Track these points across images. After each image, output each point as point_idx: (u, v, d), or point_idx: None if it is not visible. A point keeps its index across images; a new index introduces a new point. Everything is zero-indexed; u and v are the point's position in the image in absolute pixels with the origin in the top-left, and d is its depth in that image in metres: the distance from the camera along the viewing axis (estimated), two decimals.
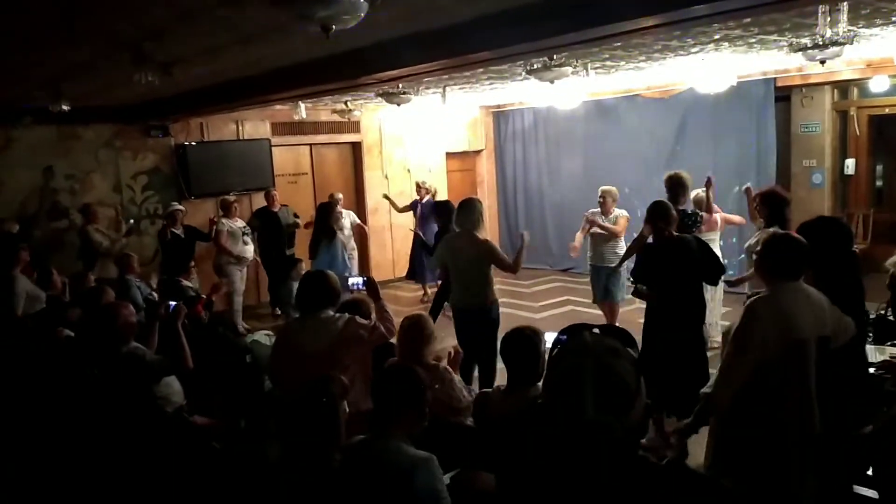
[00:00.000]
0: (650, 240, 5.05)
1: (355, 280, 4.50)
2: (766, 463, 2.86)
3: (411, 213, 9.88)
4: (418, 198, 9.82)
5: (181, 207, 8.36)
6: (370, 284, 4.14)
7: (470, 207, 5.30)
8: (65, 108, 5.94)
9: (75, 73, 5.33)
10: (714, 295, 6.66)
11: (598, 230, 7.09)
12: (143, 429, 3.33)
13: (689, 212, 5.76)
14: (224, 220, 8.40)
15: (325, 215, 7.89)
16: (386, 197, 10.22)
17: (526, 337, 3.18)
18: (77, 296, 5.36)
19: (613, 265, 6.96)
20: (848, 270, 3.57)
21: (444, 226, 7.50)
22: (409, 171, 11.41)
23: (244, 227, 8.54)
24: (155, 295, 6.14)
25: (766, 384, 2.82)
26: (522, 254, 5.36)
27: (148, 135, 8.94)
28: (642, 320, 4.96)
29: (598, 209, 7.20)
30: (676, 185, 5.75)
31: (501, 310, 5.46)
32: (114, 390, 3.57)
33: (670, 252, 4.74)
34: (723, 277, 5.16)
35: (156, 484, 3.11)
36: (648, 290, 4.94)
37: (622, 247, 7.05)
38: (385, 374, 2.74)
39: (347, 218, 9.19)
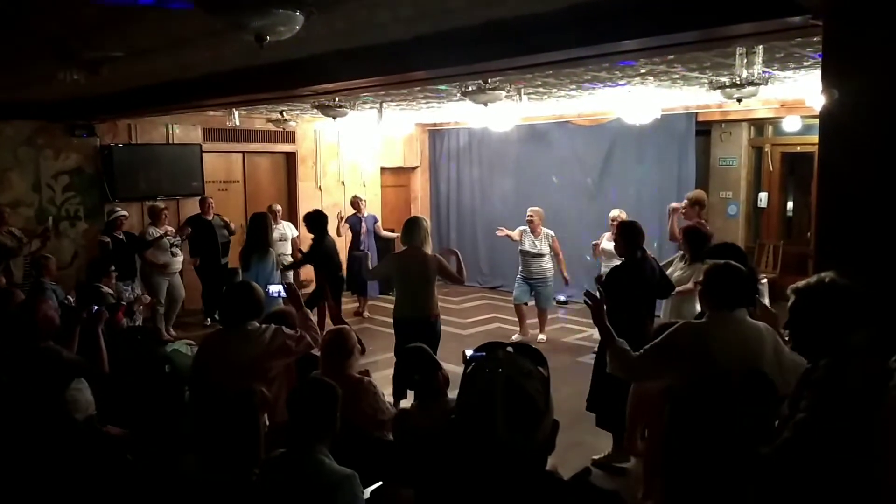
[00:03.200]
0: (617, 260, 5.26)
1: (275, 288, 4.43)
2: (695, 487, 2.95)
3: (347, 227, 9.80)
4: (356, 212, 9.80)
5: (125, 213, 8.18)
6: (290, 292, 4.10)
7: (417, 225, 5.55)
8: None
9: None
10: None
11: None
12: (52, 434, 3.20)
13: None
14: (152, 230, 8.17)
15: (259, 227, 7.60)
16: (340, 217, 9.86)
17: (417, 353, 3.28)
18: None
19: (542, 278, 8.02)
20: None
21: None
22: (343, 183, 11.37)
23: (173, 237, 8.28)
24: (71, 300, 5.91)
25: (686, 409, 2.91)
26: (463, 265, 5.75)
27: (72, 134, 8.58)
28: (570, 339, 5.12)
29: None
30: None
31: None
32: (25, 389, 3.42)
33: (641, 271, 4.91)
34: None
35: (65, 495, 2.99)
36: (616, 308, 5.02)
37: (549, 262, 8.08)
38: (303, 388, 2.73)
39: (289, 230, 9.11)
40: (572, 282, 8.51)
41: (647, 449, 3.60)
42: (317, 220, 7.66)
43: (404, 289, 5.61)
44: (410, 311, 5.51)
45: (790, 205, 10.17)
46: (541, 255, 8.03)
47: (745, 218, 9.86)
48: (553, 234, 8.16)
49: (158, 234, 8.11)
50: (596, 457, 4.88)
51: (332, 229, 8.13)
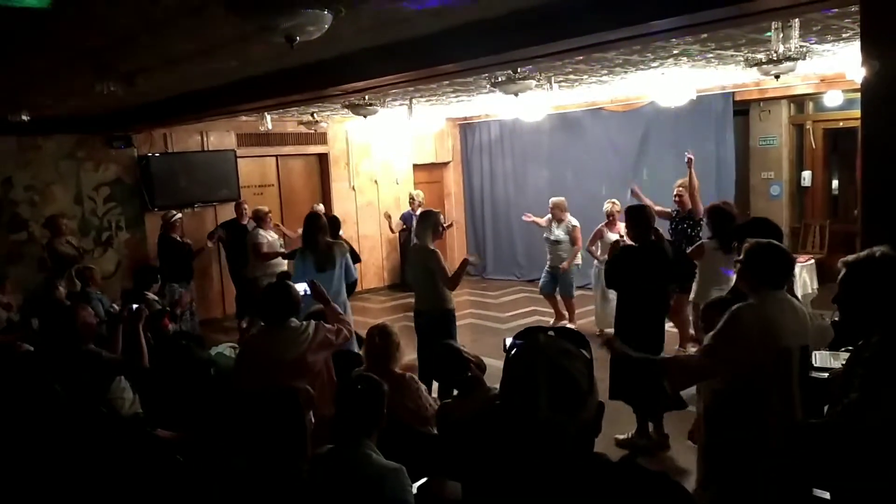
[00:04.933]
0: (627, 242, 5.18)
1: (300, 286, 4.49)
2: (742, 470, 2.90)
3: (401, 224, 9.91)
4: (411, 210, 9.86)
5: (180, 215, 8.34)
6: (315, 290, 4.16)
7: (425, 219, 5.55)
8: (24, 118, 5.84)
9: (35, 83, 5.25)
10: None
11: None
12: (101, 430, 3.28)
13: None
14: (261, 232, 8.12)
15: (314, 227, 7.47)
16: (388, 216, 10.10)
17: (444, 353, 3.28)
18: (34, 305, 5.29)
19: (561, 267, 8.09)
20: None
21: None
22: (376, 182, 11.42)
23: (280, 239, 8.31)
24: (117, 308, 6.05)
25: (748, 391, 2.85)
26: (460, 274, 5.55)
27: (110, 146, 8.79)
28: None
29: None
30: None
31: (470, 321, 5.62)
32: (72, 391, 3.54)
33: (649, 255, 4.83)
34: None
35: (117, 494, 3.06)
36: (621, 291, 5.02)
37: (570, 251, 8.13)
38: (350, 384, 2.75)
39: None
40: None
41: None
42: (333, 224, 7.66)
43: (413, 283, 5.82)
44: (420, 304, 5.61)
45: (835, 183, 9.88)
46: (558, 243, 8.11)
47: (789, 198, 9.61)
48: (575, 224, 8.14)
49: (271, 238, 8.11)
50: (620, 436, 4.91)
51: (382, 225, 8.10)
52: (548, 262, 8.27)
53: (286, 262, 7.88)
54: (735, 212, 5.46)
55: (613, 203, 7.72)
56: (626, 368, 4.61)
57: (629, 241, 5.05)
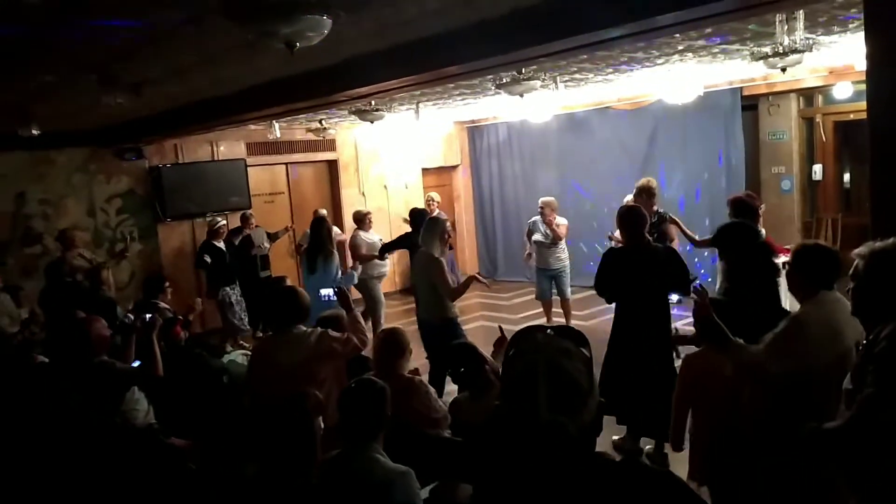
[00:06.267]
0: (615, 245, 5.11)
1: (326, 291, 4.50)
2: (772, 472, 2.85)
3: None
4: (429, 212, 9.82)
5: (224, 221, 8.43)
6: (341, 296, 4.14)
7: (427, 226, 5.49)
8: (35, 132, 5.90)
9: (43, 97, 5.30)
10: None
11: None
12: (114, 441, 3.30)
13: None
14: (361, 233, 8.12)
15: (321, 231, 7.53)
16: (406, 221, 10.04)
17: (460, 351, 3.26)
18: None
19: (561, 268, 7.96)
20: (759, 268, 4.13)
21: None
22: (385, 187, 11.45)
23: (381, 239, 8.34)
24: (131, 317, 6.08)
25: (807, 393, 2.81)
26: (463, 290, 5.45)
27: (122, 158, 8.88)
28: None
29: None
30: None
31: (481, 323, 5.57)
32: (84, 401, 3.55)
33: (638, 259, 4.63)
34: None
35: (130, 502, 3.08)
36: (609, 297, 4.81)
37: (564, 251, 8.03)
38: (352, 388, 2.74)
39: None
40: None
41: (694, 429, 3.50)
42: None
43: (415, 291, 5.72)
44: (421, 312, 5.55)
45: (847, 176, 9.77)
46: (555, 244, 7.93)
47: (800, 192, 9.52)
48: (563, 223, 7.99)
49: (370, 240, 8.12)
50: (616, 437, 4.86)
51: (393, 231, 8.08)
52: (536, 267, 8.09)
53: (383, 261, 8.02)
54: (756, 204, 5.39)
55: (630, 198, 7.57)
56: (621, 384, 4.53)
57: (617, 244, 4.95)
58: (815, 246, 3.05)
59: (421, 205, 11.42)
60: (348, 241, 8.28)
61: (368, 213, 8.43)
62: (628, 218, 4.72)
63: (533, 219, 8.14)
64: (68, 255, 7.48)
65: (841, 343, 2.78)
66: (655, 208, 6.27)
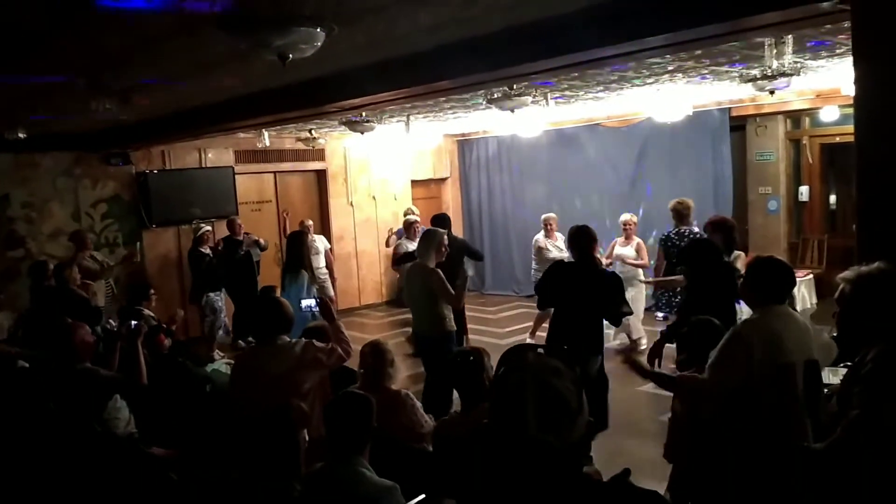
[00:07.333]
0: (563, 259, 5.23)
1: (308, 302, 4.45)
2: (740, 485, 2.88)
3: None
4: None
5: (209, 228, 8.43)
6: (323, 307, 4.11)
7: (424, 238, 5.47)
8: (21, 135, 5.85)
9: (30, 101, 5.26)
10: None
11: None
12: (95, 449, 3.25)
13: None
14: (405, 242, 8.05)
15: (296, 245, 7.27)
16: (391, 233, 9.95)
17: (467, 358, 3.23)
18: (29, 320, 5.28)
19: None
20: (721, 284, 4.31)
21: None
22: (374, 198, 11.44)
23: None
24: (114, 324, 6.02)
25: (751, 406, 2.84)
26: (462, 291, 5.48)
27: (108, 163, 8.81)
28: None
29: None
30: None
31: (468, 337, 5.51)
32: (67, 409, 3.50)
33: (581, 276, 4.82)
34: None
35: None
36: (542, 304, 5.14)
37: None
38: (337, 401, 2.72)
39: (321, 244, 9.20)
40: None
41: (672, 413, 3.58)
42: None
43: (410, 304, 5.63)
44: (418, 326, 5.51)
45: (833, 197, 9.89)
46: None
47: (787, 213, 9.61)
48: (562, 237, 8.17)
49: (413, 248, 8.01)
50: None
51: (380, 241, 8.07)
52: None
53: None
54: (733, 222, 5.54)
55: (631, 216, 7.83)
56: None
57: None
58: (770, 259, 3.08)
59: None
60: (392, 250, 8.24)
61: (415, 221, 8.32)
62: (577, 237, 4.98)
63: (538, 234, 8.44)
64: (79, 256, 7.42)
65: (779, 357, 2.82)
66: (683, 229, 6.37)
